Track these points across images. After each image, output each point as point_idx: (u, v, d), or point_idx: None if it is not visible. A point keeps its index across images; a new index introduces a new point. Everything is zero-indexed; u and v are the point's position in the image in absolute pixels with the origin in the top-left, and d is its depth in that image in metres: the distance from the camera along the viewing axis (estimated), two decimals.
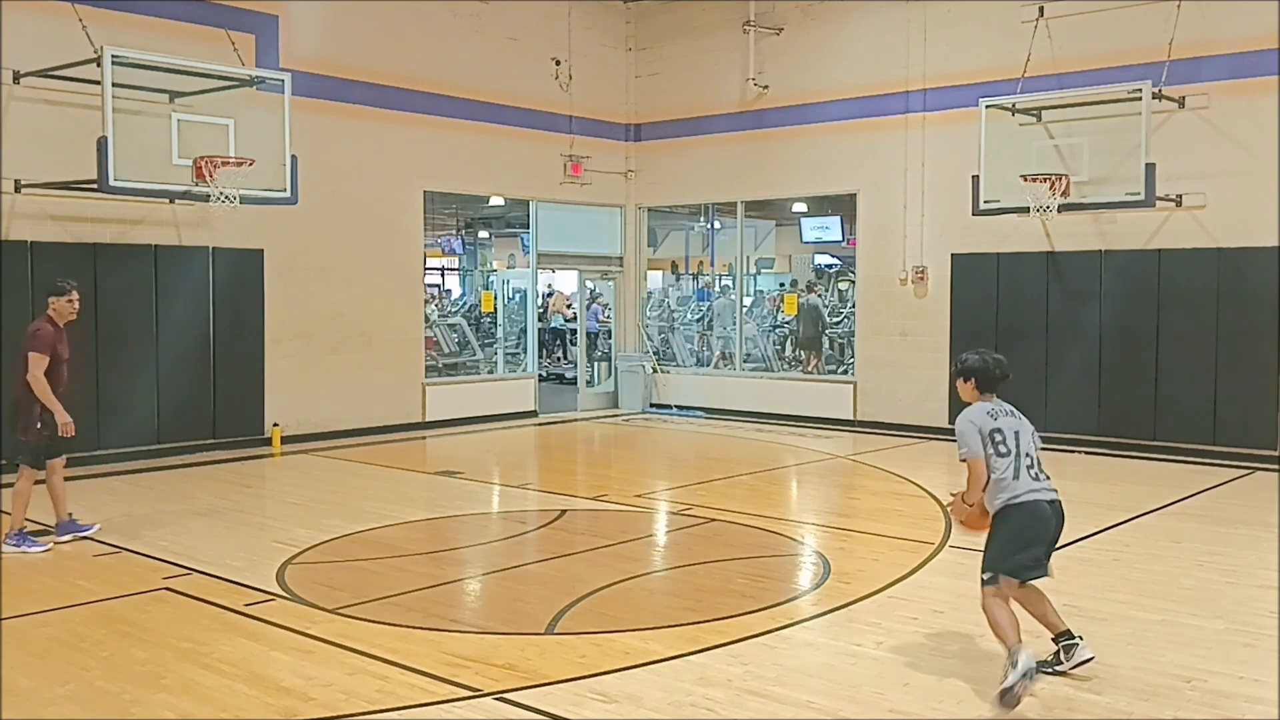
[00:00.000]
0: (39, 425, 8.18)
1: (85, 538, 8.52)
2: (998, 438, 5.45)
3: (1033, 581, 5.49)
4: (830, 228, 22.09)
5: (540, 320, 20.14)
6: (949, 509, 6.03)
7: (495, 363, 19.20)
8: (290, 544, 8.37)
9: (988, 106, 13.07)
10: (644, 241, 18.74)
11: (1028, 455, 5.46)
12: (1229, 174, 12.53)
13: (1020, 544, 5.40)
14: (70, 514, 8.60)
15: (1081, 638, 5.54)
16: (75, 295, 8.44)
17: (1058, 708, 5.11)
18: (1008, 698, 5.00)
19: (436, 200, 17.51)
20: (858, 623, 6.43)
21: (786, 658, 5.90)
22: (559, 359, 22.81)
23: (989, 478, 5.43)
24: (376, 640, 6.05)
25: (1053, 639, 5.57)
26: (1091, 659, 5.50)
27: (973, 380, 5.66)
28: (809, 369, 17.74)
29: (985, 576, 5.42)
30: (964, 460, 5.48)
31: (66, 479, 8.62)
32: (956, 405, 5.78)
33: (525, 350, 18.97)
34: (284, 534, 8.80)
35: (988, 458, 5.43)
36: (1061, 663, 5.51)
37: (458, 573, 8.01)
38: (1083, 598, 6.88)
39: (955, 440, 5.55)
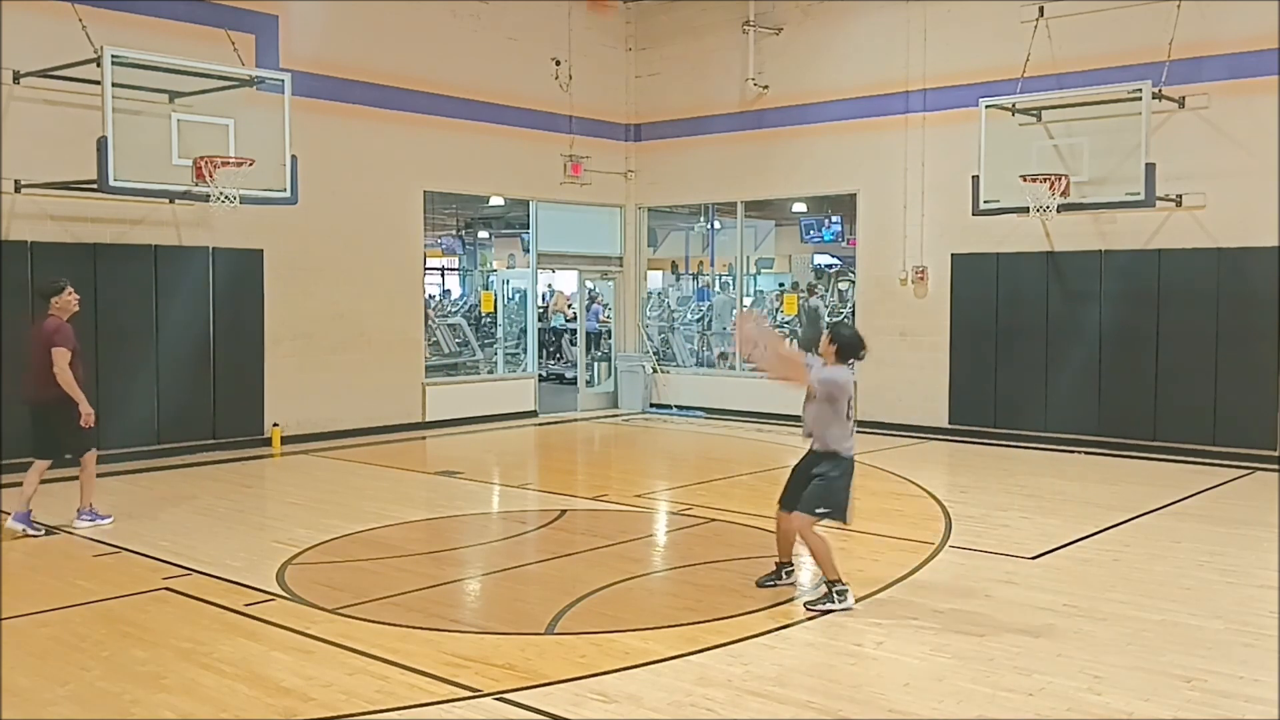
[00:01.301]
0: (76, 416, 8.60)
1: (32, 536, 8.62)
2: (851, 403, 6.93)
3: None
4: (831, 230, 22.15)
5: (540, 320, 20.13)
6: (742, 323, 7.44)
7: (495, 363, 19.20)
8: (290, 544, 8.37)
9: (987, 106, 13.07)
10: (644, 241, 18.73)
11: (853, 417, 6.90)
12: (1229, 174, 12.52)
13: (849, 492, 6.78)
14: (29, 509, 8.71)
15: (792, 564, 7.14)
16: (70, 288, 8.84)
17: (1058, 708, 5.10)
18: (814, 612, 6.50)
19: (436, 200, 17.51)
20: (858, 623, 6.43)
21: (786, 658, 5.89)
22: (559, 359, 22.82)
23: (833, 421, 6.78)
24: (376, 640, 6.05)
25: (780, 562, 7.12)
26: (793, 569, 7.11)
27: (836, 347, 6.94)
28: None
29: (822, 511, 6.70)
30: (816, 382, 6.73)
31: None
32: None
33: (525, 350, 18.97)
34: (284, 534, 8.80)
35: (841, 413, 6.78)
36: (781, 578, 7.09)
37: (458, 573, 8.01)
38: (1083, 598, 6.90)
39: (831, 389, 6.74)
